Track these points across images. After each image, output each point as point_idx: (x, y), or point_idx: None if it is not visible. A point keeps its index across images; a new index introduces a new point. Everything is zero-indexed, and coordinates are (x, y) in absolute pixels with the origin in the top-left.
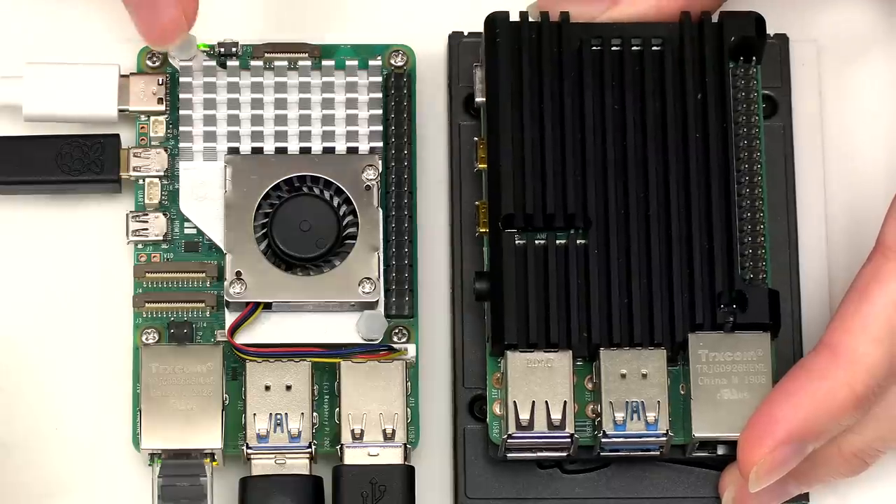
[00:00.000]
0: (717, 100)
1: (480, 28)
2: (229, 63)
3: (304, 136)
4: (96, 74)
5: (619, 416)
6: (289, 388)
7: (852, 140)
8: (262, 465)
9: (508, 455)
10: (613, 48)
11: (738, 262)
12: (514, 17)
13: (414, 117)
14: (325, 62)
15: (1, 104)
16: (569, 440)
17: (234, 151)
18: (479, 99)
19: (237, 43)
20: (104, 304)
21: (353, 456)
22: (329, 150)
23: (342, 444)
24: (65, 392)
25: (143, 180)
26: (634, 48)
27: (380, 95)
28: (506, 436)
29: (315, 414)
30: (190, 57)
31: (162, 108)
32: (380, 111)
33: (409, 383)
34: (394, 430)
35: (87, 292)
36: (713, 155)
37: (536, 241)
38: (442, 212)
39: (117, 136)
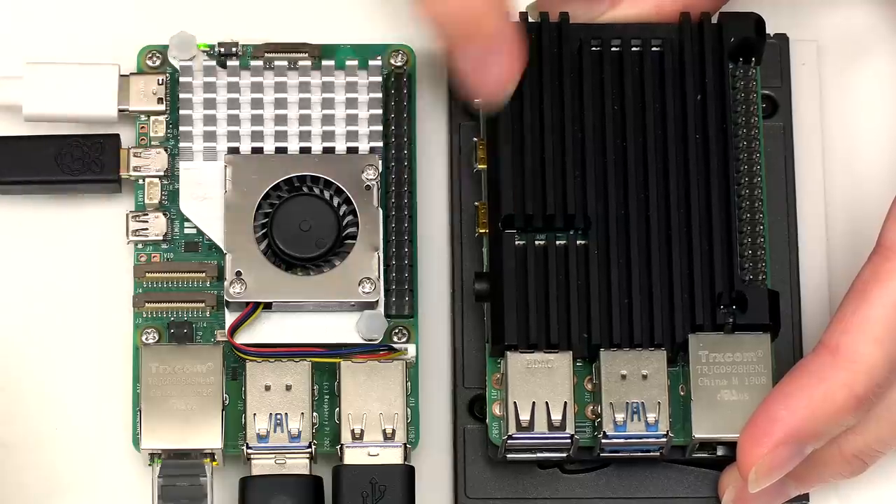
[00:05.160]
0: (717, 100)
1: None
2: (229, 63)
3: (304, 136)
4: (96, 74)
5: (620, 416)
6: (289, 388)
7: (852, 140)
8: (262, 465)
9: (508, 456)
10: (613, 49)
11: (737, 263)
12: (514, 18)
13: (414, 117)
14: (325, 62)
15: (1, 104)
16: (569, 441)
17: (234, 151)
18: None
19: (237, 43)
20: (104, 304)
21: (353, 456)
22: (329, 150)
23: (342, 444)
24: (65, 392)
25: (143, 180)
26: (634, 49)
27: (380, 95)
28: (506, 436)
29: (315, 414)
30: (190, 57)
31: (162, 107)
32: (380, 111)
33: (409, 383)
34: (394, 430)
35: (87, 292)
36: (713, 155)
37: (536, 242)
38: (442, 212)
39: (117, 135)
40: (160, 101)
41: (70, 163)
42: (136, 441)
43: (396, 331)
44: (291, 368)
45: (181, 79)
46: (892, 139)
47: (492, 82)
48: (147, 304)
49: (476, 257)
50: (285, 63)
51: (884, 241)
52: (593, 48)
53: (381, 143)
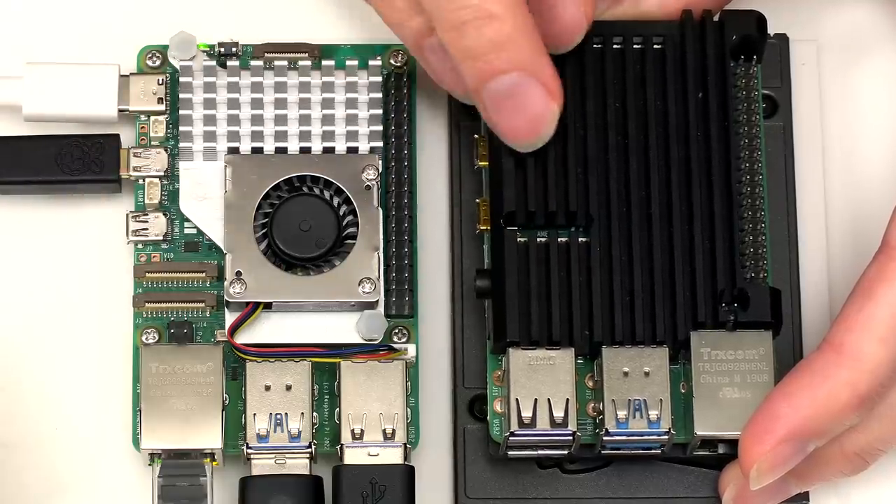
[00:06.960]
0: (719, 98)
1: None
2: (229, 63)
3: (304, 136)
4: (96, 74)
5: (622, 413)
6: (289, 388)
7: (852, 140)
8: (262, 465)
9: (510, 453)
10: (615, 46)
11: (739, 261)
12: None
13: (414, 117)
14: (325, 62)
15: (1, 104)
16: (571, 438)
17: (234, 151)
18: None
19: (237, 43)
20: (104, 304)
21: (353, 456)
22: (329, 150)
23: (342, 444)
24: (65, 392)
25: (143, 180)
26: (636, 46)
27: (380, 95)
28: (508, 433)
29: (315, 414)
30: (190, 57)
31: (162, 108)
32: (380, 111)
33: (409, 383)
34: (394, 430)
35: (87, 292)
36: (714, 154)
37: (538, 239)
38: (442, 211)
39: (117, 136)
40: (160, 101)
41: (70, 163)
42: (136, 441)
43: (396, 331)
44: (291, 368)
45: (181, 79)
46: (893, 139)
47: (523, 122)
48: (147, 304)
49: (476, 256)
50: (285, 63)
51: (889, 241)
52: (595, 45)
53: (381, 143)
